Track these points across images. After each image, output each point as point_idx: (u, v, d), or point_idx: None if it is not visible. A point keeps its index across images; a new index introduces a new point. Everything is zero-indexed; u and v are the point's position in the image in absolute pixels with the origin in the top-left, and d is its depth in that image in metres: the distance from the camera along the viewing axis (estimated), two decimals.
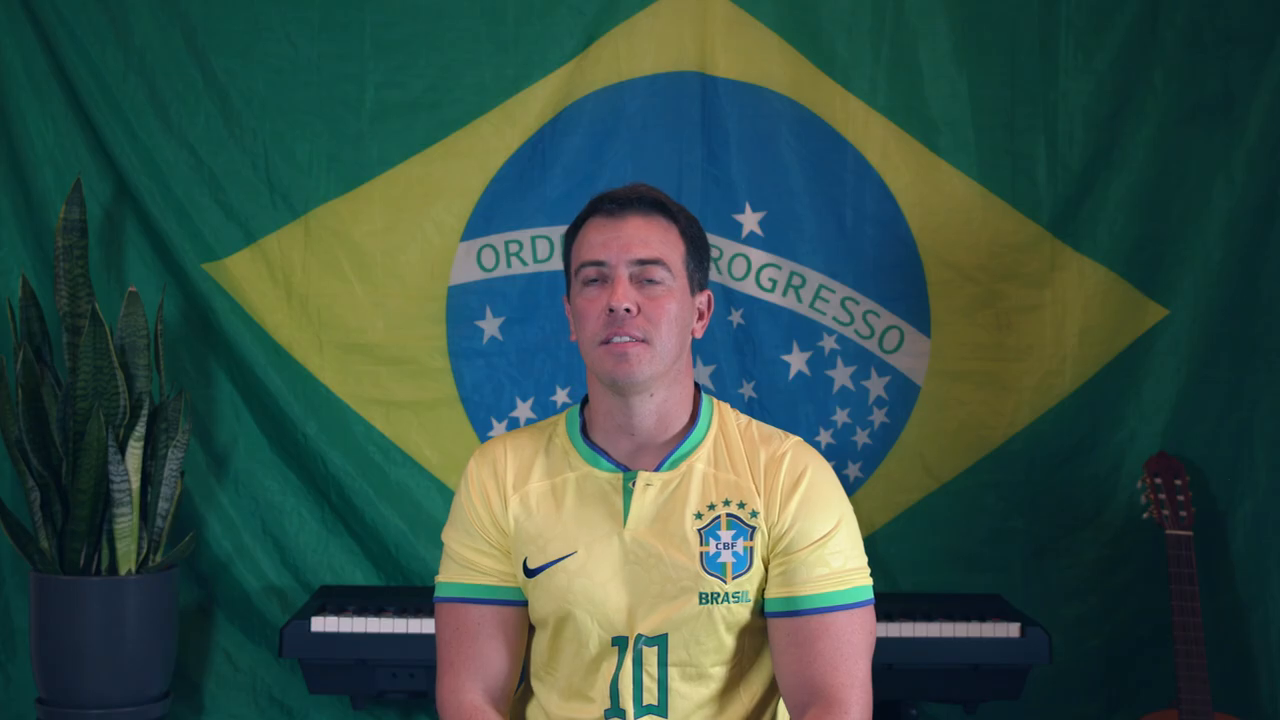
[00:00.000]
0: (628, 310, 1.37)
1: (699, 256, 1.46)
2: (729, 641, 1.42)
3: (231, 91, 2.66)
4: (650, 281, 1.39)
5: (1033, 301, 2.70)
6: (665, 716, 1.42)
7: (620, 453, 1.45)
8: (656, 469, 1.43)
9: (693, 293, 1.45)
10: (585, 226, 1.44)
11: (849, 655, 1.38)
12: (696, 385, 1.50)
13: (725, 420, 1.48)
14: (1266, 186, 2.63)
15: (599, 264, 1.40)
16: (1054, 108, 2.68)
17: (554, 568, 1.42)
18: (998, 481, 2.70)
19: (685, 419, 1.46)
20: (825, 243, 2.70)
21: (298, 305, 2.68)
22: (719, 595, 1.40)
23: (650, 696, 1.42)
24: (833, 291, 2.70)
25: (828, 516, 1.42)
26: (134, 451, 2.48)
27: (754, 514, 1.41)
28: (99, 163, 2.67)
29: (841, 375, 2.70)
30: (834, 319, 2.70)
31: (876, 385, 2.71)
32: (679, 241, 1.43)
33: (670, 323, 1.39)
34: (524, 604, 1.47)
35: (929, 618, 2.40)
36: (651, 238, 1.41)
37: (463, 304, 2.70)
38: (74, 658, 2.43)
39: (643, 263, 1.39)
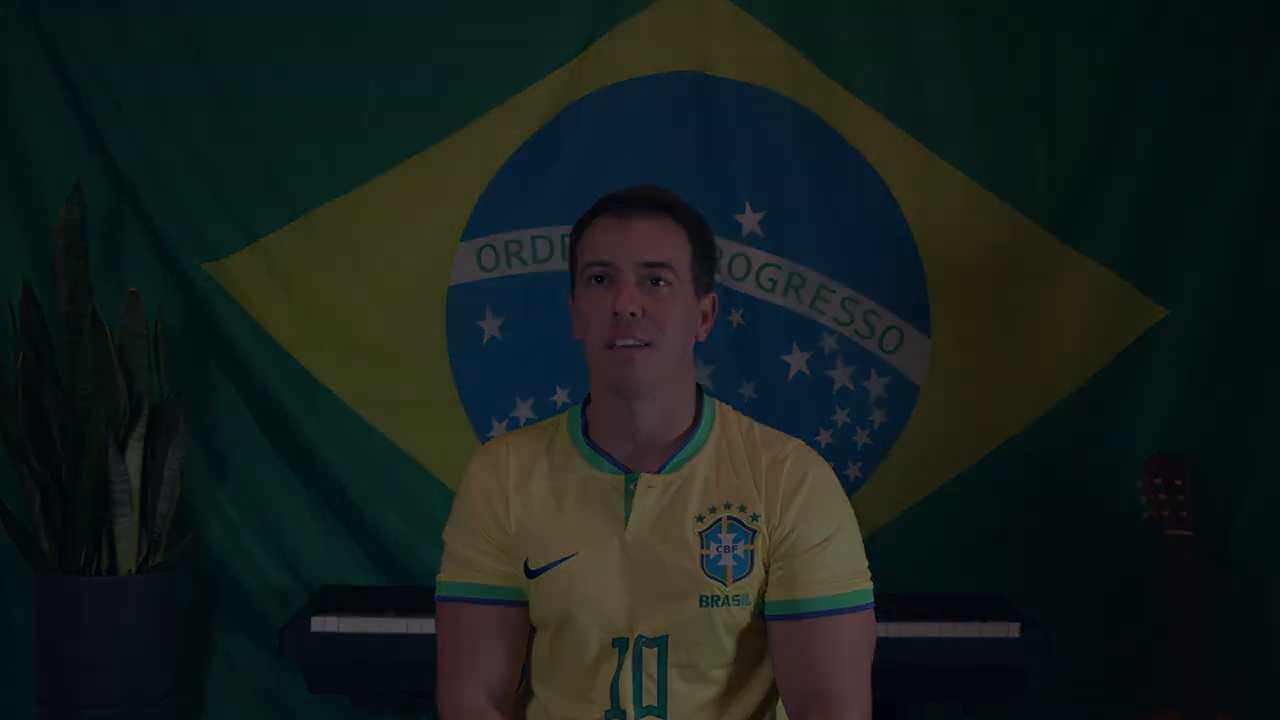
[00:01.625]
0: (633, 314, 1.36)
1: (706, 260, 1.45)
2: (729, 644, 1.42)
3: (232, 91, 2.66)
4: (656, 283, 1.39)
5: (1032, 302, 2.70)
6: (665, 718, 1.42)
7: (622, 454, 1.44)
8: (658, 471, 1.43)
9: (698, 296, 1.44)
10: (592, 226, 1.43)
11: (849, 659, 1.38)
12: (699, 387, 1.50)
13: (727, 422, 1.48)
14: (1266, 186, 2.63)
15: (604, 264, 1.39)
16: (1054, 108, 2.67)
17: (555, 569, 1.42)
18: (997, 481, 2.70)
19: (688, 421, 1.45)
20: (825, 243, 2.70)
21: (298, 305, 2.68)
22: (719, 598, 1.39)
23: (650, 698, 1.42)
24: (833, 292, 2.69)
25: (829, 520, 1.42)
26: (134, 451, 2.48)
27: (755, 517, 1.41)
28: (99, 163, 2.66)
29: (842, 375, 2.70)
30: (834, 319, 2.70)
31: (876, 385, 2.71)
32: (685, 244, 1.42)
33: (675, 326, 1.39)
34: (525, 604, 1.47)
35: (929, 618, 2.40)
36: (658, 241, 1.40)
37: (462, 304, 2.70)
38: (74, 658, 2.43)
39: (649, 265, 1.38)
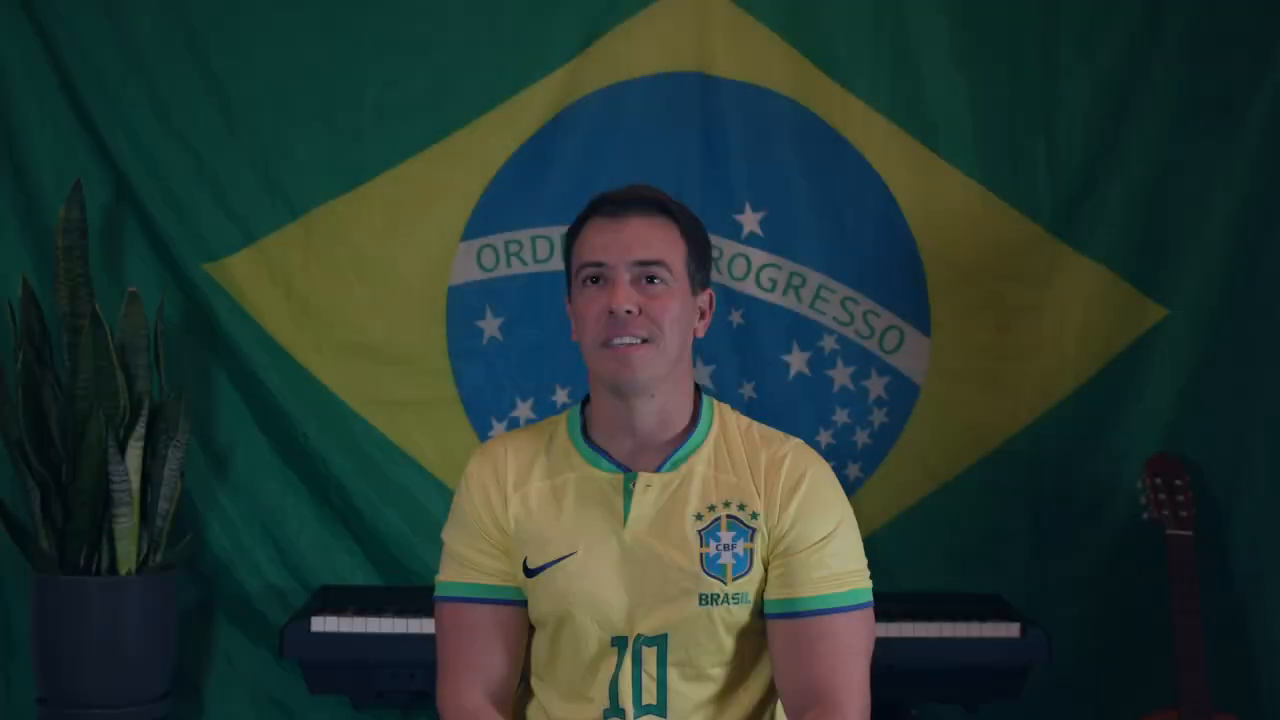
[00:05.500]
0: (629, 312, 1.37)
1: (700, 256, 1.46)
2: (728, 643, 1.42)
3: (232, 91, 2.66)
4: (651, 281, 1.39)
5: (1032, 302, 2.70)
6: (664, 717, 1.42)
7: (621, 453, 1.44)
8: (657, 470, 1.43)
9: (694, 293, 1.44)
10: (586, 227, 1.43)
11: (847, 658, 1.38)
12: (697, 386, 1.50)
13: (726, 422, 1.48)
14: (1266, 186, 2.63)
15: (599, 265, 1.39)
16: (1054, 107, 2.67)
17: (553, 568, 1.42)
18: (997, 481, 2.70)
19: (686, 420, 1.46)
20: (825, 243, 2.70)
21: (298, 305, 2.67)
22: (718, 597, 1.39)
23: (649, 696, 1.42)
24: (833, 292, 2.69)
25: (828, 518, 1.42)
26: (134, 451, 2.47)
27: (754, 515, 1.41)
28: (99, 163, 2.66)
29: (841, 375, 2.70)
30: (834, 319, 2.70)
31: (876, 385, 2.71)
32: (680, 242, 1.43)
33: (673, 322, 1.39)
34: (524, 603, 1.47)
35: (929, 618, 2.39)
36: (652, 239, 1.40)
37: (462, 304, 2.70)
38: (74, 658, 2.43)
39: (643, 264, 1.39)
